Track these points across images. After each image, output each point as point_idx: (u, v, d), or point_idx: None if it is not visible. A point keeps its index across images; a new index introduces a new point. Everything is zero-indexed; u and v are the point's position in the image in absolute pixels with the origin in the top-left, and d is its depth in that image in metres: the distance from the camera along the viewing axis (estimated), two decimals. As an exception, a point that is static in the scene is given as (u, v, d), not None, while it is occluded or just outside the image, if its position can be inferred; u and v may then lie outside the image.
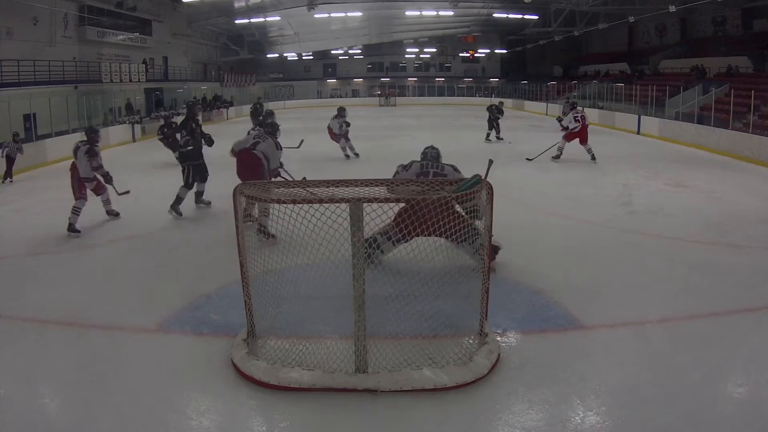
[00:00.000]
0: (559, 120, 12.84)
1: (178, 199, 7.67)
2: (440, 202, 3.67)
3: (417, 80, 44.23)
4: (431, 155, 5.40)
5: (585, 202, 8.18)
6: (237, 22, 31.83)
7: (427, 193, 3.84)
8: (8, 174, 12.14)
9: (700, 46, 26.38)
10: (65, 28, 20.39)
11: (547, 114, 27.35)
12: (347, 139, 13.18)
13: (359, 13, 32.36)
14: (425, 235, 4.00)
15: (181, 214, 7.61)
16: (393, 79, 43.96)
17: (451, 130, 20.51)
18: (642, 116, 18.83)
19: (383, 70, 44.66)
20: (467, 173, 4.05)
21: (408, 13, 32.41)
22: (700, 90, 18.98)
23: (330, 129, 13.17)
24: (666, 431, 2.96)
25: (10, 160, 12.23)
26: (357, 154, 13.21)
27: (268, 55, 39.61)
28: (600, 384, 3.37)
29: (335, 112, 13.29)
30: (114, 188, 7.73)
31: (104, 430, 3.04)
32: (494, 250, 4.93)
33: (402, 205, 4.12)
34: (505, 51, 42.16)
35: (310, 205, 3.34)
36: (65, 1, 20.10)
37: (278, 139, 7.11)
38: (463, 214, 4.25)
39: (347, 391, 3.27)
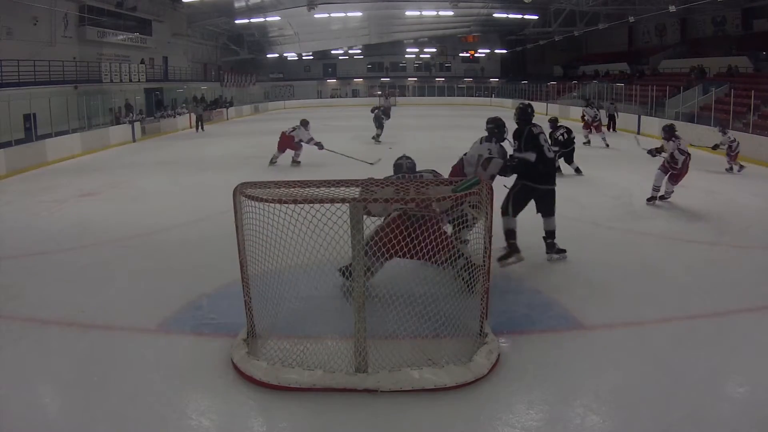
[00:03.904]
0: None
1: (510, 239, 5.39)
2: (426, 220, 3.69)
3: (417, 80, 44.25)
4: (408, 166, 4.92)
5: (585, 202, 8.17)
6: (237, 22, 31.82)
7: (428, 193, 3.84)
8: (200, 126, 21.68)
9: (700, 46, 26.39)
10: (65, 28, 20.39)
11: (546, 113, 27.31)
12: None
13: (359, 13, 32.36)
14: (403, 257, 4.06)
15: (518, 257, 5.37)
16: (393, 79, 43.97)
17: (451, 130, 20.50)
18: (642, 116, 18.84)
19: (383, 70, 44.68)
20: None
21: (408, 13, 32.41)
22: (700, 90, 18.99)
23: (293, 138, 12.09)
24: (666, 431, 2.96)
25: (199, 117, 22.24)
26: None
27: (268, 55, 39.61)
28: (600, 384, 3.37)
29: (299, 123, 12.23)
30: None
31: (104, 430, 3.04)
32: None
33: (381, 221, 4.12)
34: (505, 51, 42.17)
35: (311, 205, 3.34)
36: (65, 1, 20.10)
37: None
38: (448, 234, 4.25)
39: (347, 391, 3.27)
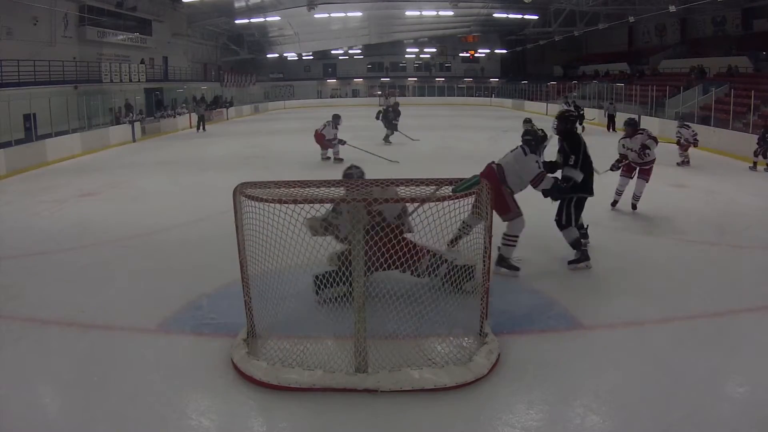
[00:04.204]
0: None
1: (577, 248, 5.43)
2: (388, 233, 3.67)
3: (417, 80, 44.24)
4: (357, 176, 4.75)
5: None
6: (237, 22, 31.84)
7: (428, 192, 3.84)
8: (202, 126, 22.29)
9: (700, 46, 26.40)
10: (65, 28, 20.39)
11: (547, 114, 27.34)
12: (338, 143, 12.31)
13: (359, 13, 32.38)
14: (379, 270, 3.95)
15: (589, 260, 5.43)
16: (393, 79, 43.95)
17: (451, 130, 20.50)
18: (642, 116, 18.83)
19: (383, 70, 44.67)
20: (466, 173, 4.04)
21: (408, 13, 32.43)
22: (700, 90, 19.00)
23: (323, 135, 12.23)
24: (666, 431, 2.96)
25: (201, 117, 22.63)
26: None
27: (268, 55, 39.62)
28: (600, 384, 3.37)
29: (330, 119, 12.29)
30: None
31: (104, 430, 3.04)
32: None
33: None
34: (505, 51, 42.17)
35: (311, 205, 3.34)
36: (65, 1, 20.10)
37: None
38: (416, 243, 4.19)
39: (347, 391, 3.27)
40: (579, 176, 5.28)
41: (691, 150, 11.97)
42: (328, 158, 12.31)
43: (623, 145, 7.66)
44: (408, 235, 4.20)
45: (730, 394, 3.38)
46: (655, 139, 7.66)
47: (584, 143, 5.42)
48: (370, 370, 3.36)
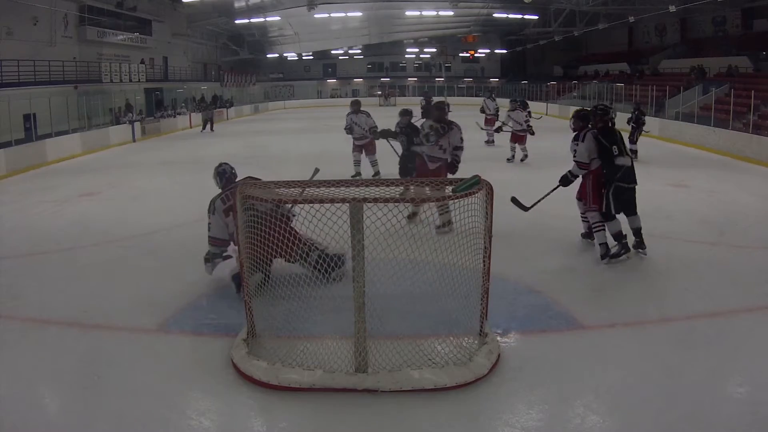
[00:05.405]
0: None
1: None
2: (279, 220, 3.70)
3: (417, 80, 44.21)
4: (231, 173, 5.18)
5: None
6: (237, 22, 31.81)
7: (429, 192, 3.83)
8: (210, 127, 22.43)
9: (700, 46, 26.37)
10: (65, 28, 20.39)
11: (546, 114, 27.36)
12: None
13: (359, 13, 32.34)
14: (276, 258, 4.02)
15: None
16: (393, 79, 43.92)
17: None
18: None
19: (383, 70, 44.64)
20: (465, 174, 4.04)
21: (408, 13, 32.40)
22: (700, 90, 18.97)
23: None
24: (666, 431, 2.96)
25: (206, 119, 22.60)
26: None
27: (268, 55, 39.59)
28: (600, 384, 3.37)
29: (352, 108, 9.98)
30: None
31: (104, 430, 3.04)
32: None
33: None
34: (505, 51, 42.14)
35: (311, 205, 3.34)
36: (65, 1, 20.09)
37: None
38: (296, 231, 4.25)
39: (347, 391, 3.27)
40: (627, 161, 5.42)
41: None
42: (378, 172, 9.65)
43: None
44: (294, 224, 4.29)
45: (730, 394, 3.38)
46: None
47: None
48: (370, 370, 3.36)
